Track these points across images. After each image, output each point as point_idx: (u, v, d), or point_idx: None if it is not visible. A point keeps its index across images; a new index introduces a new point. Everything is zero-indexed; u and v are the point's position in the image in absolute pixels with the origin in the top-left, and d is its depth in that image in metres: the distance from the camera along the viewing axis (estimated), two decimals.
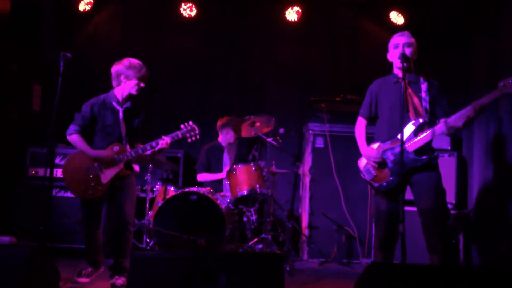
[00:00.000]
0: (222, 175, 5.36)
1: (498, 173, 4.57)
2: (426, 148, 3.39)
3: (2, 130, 5.06)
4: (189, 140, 3.96)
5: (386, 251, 3.50)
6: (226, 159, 5.58)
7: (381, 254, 3.51)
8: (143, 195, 5.14)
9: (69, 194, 5.04)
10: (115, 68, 3.90)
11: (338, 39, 6.43)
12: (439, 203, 3.35)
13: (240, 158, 5.64)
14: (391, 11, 6.14)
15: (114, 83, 3.92)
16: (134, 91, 3.91)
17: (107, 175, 3.75)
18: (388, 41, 3.64)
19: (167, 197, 4.71)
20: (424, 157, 3.36)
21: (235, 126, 5.07)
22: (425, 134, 3.36)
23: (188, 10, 6.24)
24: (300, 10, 6.23)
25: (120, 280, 3.69)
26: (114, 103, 3.88)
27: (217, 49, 6.40)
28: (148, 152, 3.84)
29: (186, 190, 4.71)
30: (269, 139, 5.01)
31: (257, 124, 5.05)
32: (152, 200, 4.96)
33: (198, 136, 3.99)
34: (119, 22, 6.42)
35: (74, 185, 3.76)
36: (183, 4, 6.22)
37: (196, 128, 4.00)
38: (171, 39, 6.41)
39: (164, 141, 3.84)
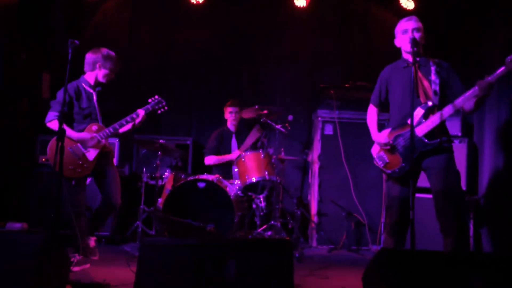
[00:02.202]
0: (230, 156, 5.37)
1: (509, 159, 4.53)
2: (437, 131, 3.36)
3: (12, 118, 5.10)
4: (159, 111, 4.29)
5: (398, 237, 3.50)
6: (235, 144, 5.59)
7: (392, 240, 3.51)
8: (152, 182, 5.17)
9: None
10: (92, 56, 4.14)
11: (347, 25, 6.36)
12: (452, 185, 3.32)
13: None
14: None
15: (87, 68, 4.16)
16: (104, 80, 4.20)
17: (92, 152, 4.03)
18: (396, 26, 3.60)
19: (176, 184, 4.72)
20: (434, 140, 3.33)
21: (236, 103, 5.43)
22: (434, 117, 3.33)
23: None
24: None
25: (93, 241, 4.09)
26: (87, 87, 4.14)
27: (225, 36, 6.37)
28: (128, 126, 4.20)
29: (195, 177, 4.72)
30: (278, 126, 5.00)
31: (265, 111, 5.04)
32: (162, 188, 4.98)
33: (166, 108, 4.31)
34: (127, 10, 6.40)
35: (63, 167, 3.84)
36: None
37: (163, 101, 4.31)
38: (179, 26, 6.38)
39: (141, 113, 4.17)
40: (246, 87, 6.34)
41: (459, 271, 2.44)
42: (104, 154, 4.11)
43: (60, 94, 4.01)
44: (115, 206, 4.13)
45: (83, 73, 4.19)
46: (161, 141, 4.84)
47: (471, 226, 4.64)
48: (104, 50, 4.16)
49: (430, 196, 3.46)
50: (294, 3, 6.18)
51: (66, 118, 3.95)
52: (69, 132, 3.96)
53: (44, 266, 2.69)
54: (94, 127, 4.06)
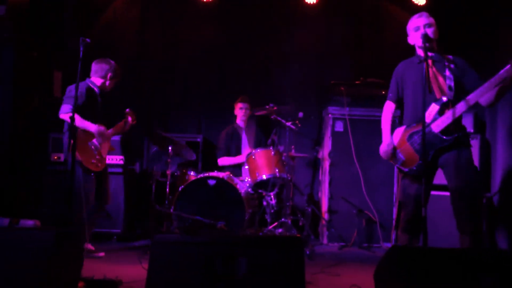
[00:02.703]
0: (242, 158, 5.38)
1: None
2: (453, 127, 3.31)
3: (24, 116, 5.14)
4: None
5: (412, 234, 3.47)
6: (245, 141, 5.59)
7: (407, 237, 3.49)
8: (163, 179, 5.18)
9: None
10: (105, 65, 4.43)
11: (358, 21, 6.33)
12: (469, 182, 3.26)
13: (259, 142, 5.64)
14: None
15: (96, 74, 4.42)
16: (108, 89, 4.50)
17: (105, 149, 4.33)
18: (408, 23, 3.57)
19: (187, 182, 4.74)
20: (451, 136, 3.29)
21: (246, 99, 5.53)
22: (449, 113, 3.29)
23: None
24: None
25: (91, 246, 4.26)
26: (95, 88, 4.40)
27: (235, 32, 6.36)
28: (127, 127, 4.52)
29: (205, 174, 4.73)
30: (288, 123, 5.00)
31: (275, 108, 5.04)
32: (172, 185, 4.99)
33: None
34: (137, 8, 6.42)
35: (88, 160, 4.14)
36: None
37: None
38: (188, 23, 6.38)
39: (129, 118, 4.54)
40: (256, 84, 6.33)
41: (472, 269, 2.41)
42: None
43: (71, 89, 4.15)
44: (103, 208, 4.46)
45: (88, 76, 4.42)
46: (171, 138, 4.85)
47: (484, 224, 4.60)
48: (114, 63, 4.47)
49: (445, 193, 3.42)
50: (304, 0, 6.16)
51: (82, 112, 4.13)
52: (86, 124, 4.16)
53: (57, 263, 2.71)
54: (102, 128, 4.28)
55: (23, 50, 5.10)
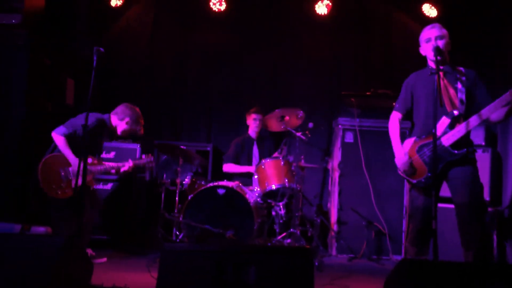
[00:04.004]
0: (248, 168, 5.38)
1: None
2: (463, 141, 3.31)
3: (37, 123, 5.19)
4: (147, 170, 4.81)
5: (419, 246, 3.45)
6: (256, 153, 5.59)
7: (414, 249, 3.47)
8: (173, 188, 5.20)
9: (100, 186, 5.16)
10: (129, 110, 4.46)
11: (369, 33, 6.34)
12: (475, 198, 3.26)
13: (270, 152, 5.64)
14: (423, 3, 6.02)
15: (118, 115, 4.46)
16: (120, 134, 4.50)
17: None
18: (420, 34, 3.57)
19: (196, 190, 4.74)
20: (461, 150, 3.28)
21: (260, 110, 5.47)
22: (460, 127, 3.28)
23: (217, 5, 6.25)
24: (330, 4, 6.16)
25: (91, 251, 4.29)
26: (108, 127, 4.46)
27: (246, 43, 6.40)
28: (113, 171, 4.42)
29: (215, 183, 4.74)
30: (298, 134, 5.00)
31: (286, 118, 5.05)
32: (182, 194, 5.01)
33: (153, 164, 4.59)
34: (150, 17, 6.49)
35: (46, 182, 4.08)
36: None
37: (153, 162, 4.62)
38: (201, 33, 6.43)
39: (128, 164, 4.39)
40: (266, 93, 6.35)
41: (482, 283, 2.39)
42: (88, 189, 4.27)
43: (81, 117, 4.17)
44: (90, 229, 4.36)
45: (109, 112, 4.50)
46: (181, 147, 4.87)
47: (495, 238, 4.55)
48: (139, 113, 4.50)
49: (452, 206, 3.41)
50: (315, 11, 6.19)
51: (73, 140, 4.15)
52: (68, 152, 4.12)
53: (66, 270, 2.73)
54: (90, 160, 4.22)
55: (37, 57, 5.17)
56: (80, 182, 3.27)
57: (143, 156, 4.52)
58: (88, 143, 4.04)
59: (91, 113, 4.18)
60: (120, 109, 4.47)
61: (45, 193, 4.06)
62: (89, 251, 4.33)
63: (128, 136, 4.62)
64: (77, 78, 5.83)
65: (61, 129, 4.14)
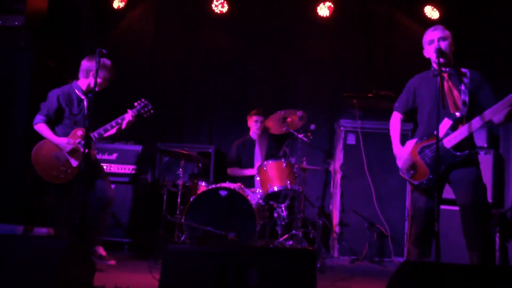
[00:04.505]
0: (252, 171, 5.38)
1: None
2: (466, 143, 3.30)
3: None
4: (145, 115, 4.22)
5: (422, 248, 3.45)
6: (258, 154, 5.60)
7: (416, 251, 3.46)
8: (174, 190, 5.20)
9: None
10: (87, 63, 4.21)
11: (371, 34, 6.34)
12: (479, 200, 3.26)
13: (271, 154, 5.65)
14: (425, 5, 6.02)
15: (81, 75, 4.24)
16: (97, 88, 4.07)
17: (76, 158, 4.05)
18: (422, 36, 3.57)
19: (198, 192, 4.75)
20: (463, 152, 3.28)
21: (261, 112, 5.43)
22: (462, 128, 3.28)
23: (219, 7, 6.27)
24: (332, 6, 6.18)
25: (103, 251, 4.11)
26: (79, 93, 4.22)
27: (248, 45, 6.41)
28: (113, 131, 4.17)
29: (217, 185, 4.74)
30: (300, 135, 5.00)
31: (288, 119, 5.05)
32: (184, 195, 5.01)
33: (152, 111, 4.23)
34: (152, 19, 6.51)
35: (46, 172, 4.04)
36: (214, 0, 6.26)
37: (149, 104, 4.24)
38: (203, 35, 6.45)
39: (129, 114, 4.14)
40: (268, 95, 6.36)
41: (485, 285, 2.39)
42: (90, 161, 4.03)
43: (51, 98, 4.13)
44: (109, 200, 4.18)
45: (77, 78, 4.29)
46: (183, 149, 4.88)
47: (497, 239, 4.54)
48: (100, 59, 4.04)
49: (455, 208, 3.41)
50: (317, 13, 6.20)
51: (52, 122, 4.10)
52: (50, 136, 4.06)
53: (68, 271, 2.73)
54: (79, 132, 4.11)
55: (40, 59, 5.18)
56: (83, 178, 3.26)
57: (135, 104, 4.23)
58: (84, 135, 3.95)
59: (51, 92, 4.16)
60: (80, 68, 4.24)
61: (48, 182, 4.04)
62: (101, 250, 4.25)
63: (107, 86, 4.28)
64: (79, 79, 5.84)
65: (37, 117, 4.11)
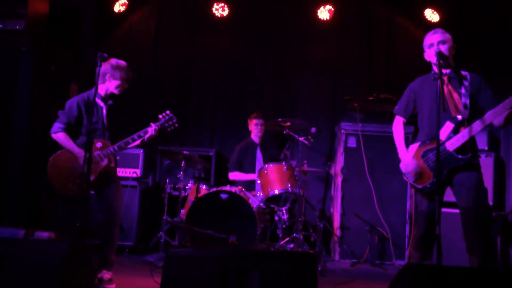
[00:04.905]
0: (253, 176, 5.38)
1: None
2: (468, 146, 3.29)
3: (41, 129, 5.21)
4: (169, 129, 3.97)
5: (423, 251, 3.44)
6: (260, 157, 5.59)
7: (418, 254, 3.45)
8: (175, 193, 5.21)
9: None
10: (104, 67, 3.89)
11: (371, 38, 6.35)
12: (480, 203, 3.25)
13: (272, 157, 5.65)
14: (426, 8, 6.04)
15: (99, 80, 3.85)
16: (117, 91, 3.97)
17: (94, 171, 3.74)
18: (423, 39, 3.57)
19: (199, 195, 4.75)
20: (466, 156, 3.27)
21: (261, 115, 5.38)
22: (464, 131, 3.27)
23: (220, 10, 6.29)
24: (333, 9, 6.20)
25: (108, 275, 3.67)
26: (97, 100, 3.93)
27: (249, 48, 6.43)
28: (135, 143, 3.89)
29: (218, 188, 4.74)
30: (301, 139, 5.00)
31: (288, 123, 5.05)
32: (185, 199, 5.02)
33: (176, 125, 3.99)
34: (153, 23, 6.53)
35: (60, 182, 3.78)
36: (215, 4, 6.28)
37: (174, 118, 3.99)
38: (204, 38, 6.47)
39: (152, 128, 3.87)
40: (269, 98, 6.37)
41: None
42: (106, 173, 3.85)
43: (70, 106, 3.88)
44: (113, 221, 3.82)
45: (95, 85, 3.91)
46: (184, 152, 4.88)
47: (498, 242, 4.54)
48: (113, 61, 3.94)
49: (457, 211, 3.40)
50: (317, 16, 6.22)
51: (71, 131, 3.85)
52: (70, 145, 3.81)
53: (69, 275, 2.73)
54: (99, 144, 3.84)
55: (42, 63, 5.20)
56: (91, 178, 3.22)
57: (160, 116, 3.95)
58: (92, 140, 3.59)
59: (70, 100, 3.91)
60: (96, 74, 3.76)
61: (63, 193, 3.79)
62: (106, 275, 3.74)
63: (126, 87, 4.01)
64: (80, 83, 5.85)
65: (56, 125, 3.86)
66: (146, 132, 3.87)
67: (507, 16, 5.25)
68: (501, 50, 5.39)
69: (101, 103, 3.96)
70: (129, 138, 3.84)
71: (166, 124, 3.97)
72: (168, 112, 3.98)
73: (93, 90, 3.85)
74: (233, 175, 5.49)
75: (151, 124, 3.91)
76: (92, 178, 3.69)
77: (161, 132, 3.99)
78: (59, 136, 3.81)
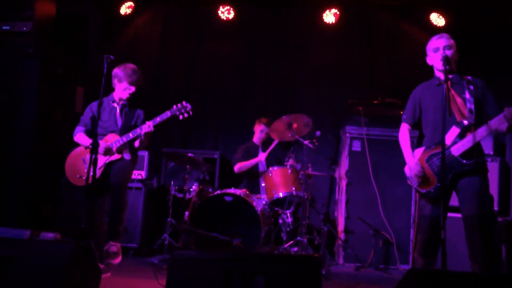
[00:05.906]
0: (257, 159, 5.44)
1: None
2: (474, 151, 3.28)
3: (47, 132, 5.24)
4: (181, 117, 4.08)
5: (428, 256, 3.42)
6: (261, 155, 5.61)
7: (422, 260, 3.44)
8: (180, 195, 5.22)
9: None
10: (116, 70, 4.20)
11: (376, 42, 6.35)
12: (485, 210, 3.22)
13: (277, 161, 5.66)
14: (431, 13, 6.03)
15: (114, 86, 4.26)
16: (123, 95, 4.18)
17: (100, 161, 4.02)
18: (427, 43, 3.58)
19: (203, 198, 4.76)
20: (471, 161, 3.26)
21: (270, 123, 5.36)
22: (470, 136, 3.26)
23: (226, 13, 6.31)
24: (338, 13, 6.20)
25: (114, 247, 3.85)
26: (111, 102, 4.23)
27: (254, 51, 6.44)
28: (135, 137, 4.09)
29: (222, 191, 4.75)
30: (306, 142, 5.00)
31: (294, 125, 5.05)
32: (189, 201, 5.02)
33: (191, 113, 4.08)
34: (158, 25, 6.55)
35: (71, 174, 4.14)
36: (221, 7, 6.30)
37: (188, 105, 4.09)
38: (209, 41, 6.49)
39: (146, 125, 4.02)
40: (274, 101, 6.37)
41: None
42: (114, 162, 4.12)
43: (86, 110, 4.28)
44: (121, 185, 4.10)
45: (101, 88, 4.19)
46: (189, 154, 4.89)
47: (504, 248, 4.52)
48: (123, 65, 4.19)
49: (461, 215, 3.39)
50: (323, 19, 6.22)
51: (89, 133, 4.20)
52: (85, 141, 4.14)
53: (75, 276, 2.74)
54: (110, 137, 4.13)
55: (48, 65, 5.23)
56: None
57: (173, 106, 4.13)
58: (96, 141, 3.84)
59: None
60: (112, 76, 4.18)
61: (75, 184, 4.14)
62: (113, 248, 4.02)
63: (134, 90, 4.21)
64: (86, 86, 5.88)
65: (76, 129, 4.25)
66: (141, 129, 4.05)
67: (506, 16, 5.24)
68: (501, 50, 5.37)
69: (114, 104, 4.24)
70: (130, 132, 4.08)
71: (178, 112, 4.09)
72: (183, 102, 4.12)
73: (110, 95, 4.27)
74: (238, 166, 5.50)
75: (146, 122, 4.09)
76: (98, 166, 3.94)
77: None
78: (78, 136, 4.23)
